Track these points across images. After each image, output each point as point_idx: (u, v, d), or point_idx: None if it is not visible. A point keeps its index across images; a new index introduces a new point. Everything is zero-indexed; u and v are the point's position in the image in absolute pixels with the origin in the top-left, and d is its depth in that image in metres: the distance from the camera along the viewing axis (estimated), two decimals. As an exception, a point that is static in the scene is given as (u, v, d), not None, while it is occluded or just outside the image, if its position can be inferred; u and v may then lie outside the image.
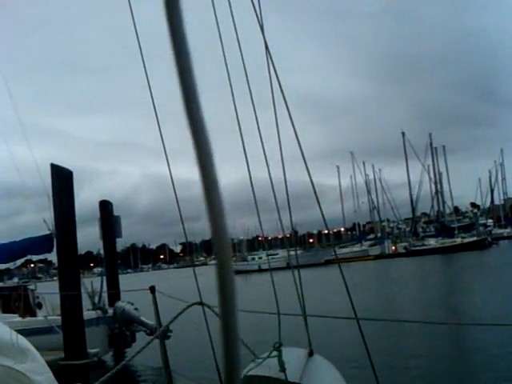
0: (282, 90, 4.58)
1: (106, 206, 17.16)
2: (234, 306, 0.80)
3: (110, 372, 5.40)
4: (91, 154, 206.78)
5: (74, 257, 13.10)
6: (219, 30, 4.59)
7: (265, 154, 4.99)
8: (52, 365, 10.45)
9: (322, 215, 5.07)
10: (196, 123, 0.76)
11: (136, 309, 14.45)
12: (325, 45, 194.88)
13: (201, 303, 5.91)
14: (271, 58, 4.52)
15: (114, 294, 16.10)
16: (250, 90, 4.95)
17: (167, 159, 5.39)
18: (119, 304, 14.76)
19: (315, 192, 4.80)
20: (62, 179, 12.74)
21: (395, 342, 15.17)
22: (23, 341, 3.68)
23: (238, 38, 4.78)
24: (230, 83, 4.76)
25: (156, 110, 5.20)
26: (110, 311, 14.81)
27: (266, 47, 4.56)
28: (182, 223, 5.99)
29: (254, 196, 4.99)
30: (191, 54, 0.76)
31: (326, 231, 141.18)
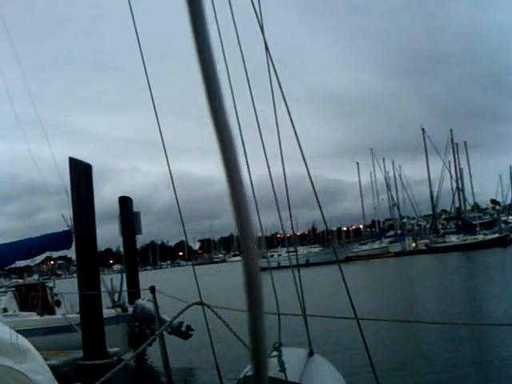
0: (281, 90, 4.67)
1: (125, 202, 16.83)
2: (261, 304, 0.81)
3: (109, 372, 5.45)
4: (112, 152, 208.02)
5: (93, 253, 12.78)
6: (220, 32, 4.60)
7: (265, 152, 5.02)
8: (71, 364, 10.20)
9: (322, 214, 5.18)
10: (221, 123, 0.77)
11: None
12: (344, 41, 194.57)
13: (201, 303, 6.00)
14: (271, 58, 4.62)
15: (134, 291, 15.83)
16: (249, 88, 4.95)
17: (167, 158, 5.54)
18: (139, 302, 14.42)
19: (314, 189, 4.90)
20: (80, 173, 12.41)
21: (396, 342, 14.91)
22: (23, 341, 3.72)
23: (238, 37, 4.79)
24: (230, 83, 4.74)
25: (156, 109, 5.34)
26: (130, 309, 14.50)
27: (266, 47, 4.66)
28: (182, 223, 6.09)
29: (254, 194, 4.97)
30: (214, 54, 0.76)
31: (345, 228, 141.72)
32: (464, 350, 13.80)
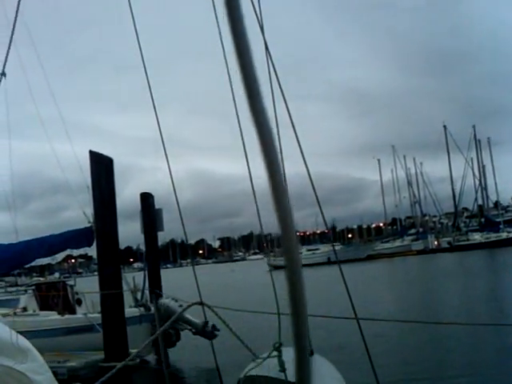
0: (281, 89, 4.71)
1: (147, 199, 16.40)
2: (304, 304, 0.86)
3: (109, 372, 5.50)
4: (134, 151, 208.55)
5: (114, 249, 12.40)
6: (221, 33, 4.66)
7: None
8: (92, 366, 9.93)
9: (322, 213, 5.22)
10: (262, 123, 0.80)
11: (181, 306, 13.68)
12: (366, 39, 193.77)
13: (201, 303, 6.10)
14: (271, 58, 4.64)
15: (157, 289, 15.47)
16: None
17: (166, 156, 5.68)
18: (163, 301, 14.00)
19: (313, 187, 4.95)
20: (101, 167, 12.03)
21: (396, 342, 14.70)
22: (23, 341, 3.76)
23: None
24: (231, 82, 4.72)
25: (155, 107, 5.52)
26: (153, 308, 14.10)
27: (266, 47, 4.68)
28: (182, 223, 6.22)
29: (254, 193, 4.98)
30: (252, 54, 0.81)
31: (366, 226, 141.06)
32: (471, 352, 13.44)
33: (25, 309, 14.90)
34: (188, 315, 13.35)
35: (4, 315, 13.06)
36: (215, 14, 4.49)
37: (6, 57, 6.81)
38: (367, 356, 4.95)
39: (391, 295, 28.68)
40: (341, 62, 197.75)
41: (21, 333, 3.93)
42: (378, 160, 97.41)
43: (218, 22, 4.51)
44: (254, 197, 4.90)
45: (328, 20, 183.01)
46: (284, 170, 4.87)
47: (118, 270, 12.43)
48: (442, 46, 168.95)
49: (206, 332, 13.20)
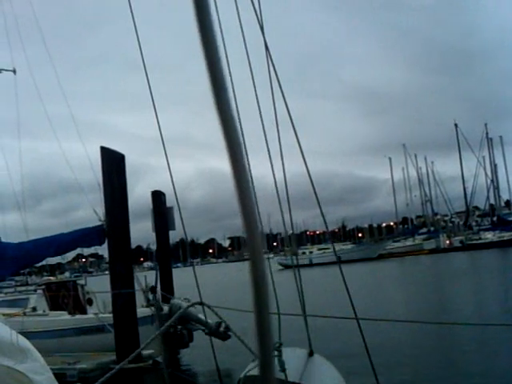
0: (281, 90, 4.74)
1: (158, 197, 16.20)
2: (267, 302, 0.81)
3: (109, 373, 5.56)
4: (144, 150, 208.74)
5: (126, 247, 12.17)
6: (222, 33, 4.74)
7: (266, 151, 5.11)
8: (103, 368, 9.73)
9: (322, 214, 5.25)
10: (227, 120, 0.77)
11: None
12: (378, 37, 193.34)
13: (201, 303, 6.25)
14: (271, 58, 4.67)
15: (168, 289, 15.25)
16: (254, 88, 5.10)
17: (166, 156, 5.92)
18: (175, 301, 13.74)
19: (313, 186, 4.97)
20: (112, 163, 11.78)
21: (396, 342, 14.48)
22: (23, 341, 3.75)
23: (243, 37, 4.91)
24: (232, 79, 4.82)
25: (155, 105, 5.75)
26: (165, 308, 13.83)
27: (266, 47, 4.70)
28: (182, 223, 6.33)
29: (254, 193, 4.79)
30: (220, 50, 0.79)
31: (376, 225, 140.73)
32: (476, 354, 13.25)
33: (34, 309, 14.71)
34: (200, 315, 13.11)
35: (13, 315, 12.85)
36: (217, 13, 4.47)
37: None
38: (367, 356, 4.94)
39: (403, 295, 28.35)
40: (352, 61, 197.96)
41: (30, 333, 3.97)
42: (390, 159, 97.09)
43: (219, 21, 4.50)
44: (255, 196, 4.68)
45: (340, 18, 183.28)
46: (284, 170, 5.13)
47: (129, 269, 12.19)
48: (453, 44, 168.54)
49: (219, 333, 12.93)
